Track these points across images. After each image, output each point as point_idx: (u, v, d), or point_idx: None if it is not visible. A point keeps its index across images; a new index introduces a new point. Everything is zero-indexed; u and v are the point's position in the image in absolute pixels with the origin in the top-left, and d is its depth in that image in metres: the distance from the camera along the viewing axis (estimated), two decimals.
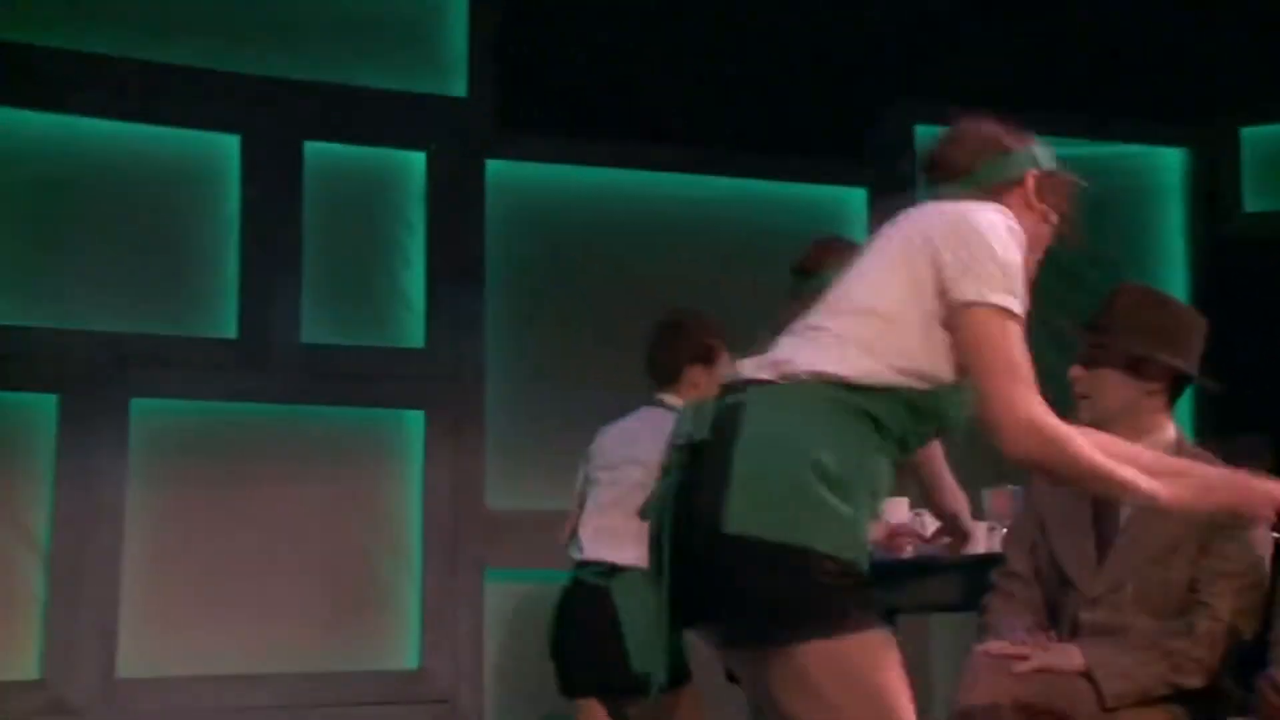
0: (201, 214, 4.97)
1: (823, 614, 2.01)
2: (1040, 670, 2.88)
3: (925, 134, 5.12)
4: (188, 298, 4.92)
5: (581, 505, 4.01)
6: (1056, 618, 3.06)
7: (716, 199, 5.48)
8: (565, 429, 5.00)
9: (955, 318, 2.11)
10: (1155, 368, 3.01)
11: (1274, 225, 5.68)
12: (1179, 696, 2.91)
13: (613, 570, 3.82)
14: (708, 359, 3.91)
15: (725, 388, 2.19)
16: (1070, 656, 2.90)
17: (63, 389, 4.69)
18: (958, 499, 3.62)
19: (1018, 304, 2.12)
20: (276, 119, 5.01)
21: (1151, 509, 2.32)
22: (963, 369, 2.12)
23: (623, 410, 4.05)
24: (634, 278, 5.28)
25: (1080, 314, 3.20)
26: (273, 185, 5.00)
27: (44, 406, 4.68)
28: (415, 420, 5.10)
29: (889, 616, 3.63)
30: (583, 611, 3.87)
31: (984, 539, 3.74)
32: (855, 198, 5.43)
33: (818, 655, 2.01)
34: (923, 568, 3.79)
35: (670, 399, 3.89)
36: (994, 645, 2.97)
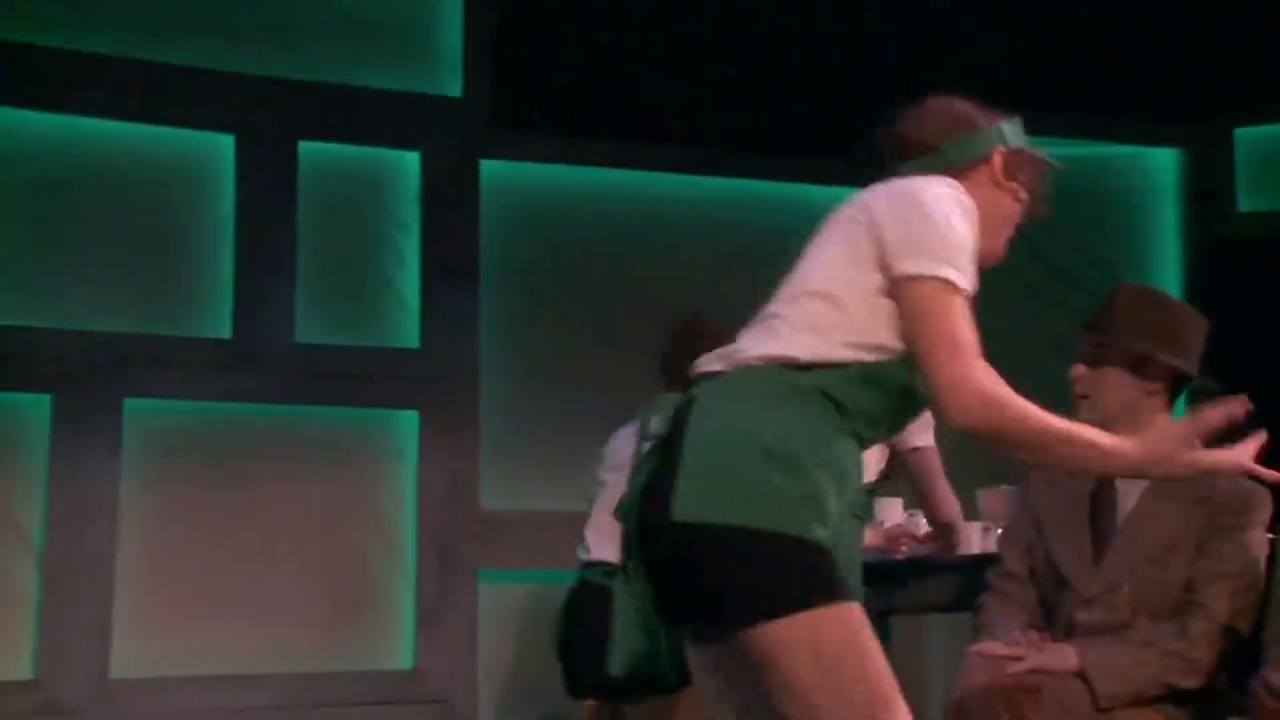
0: (196, 214, 4.96)
1: (776, 593, 1.96)
2: (1034, 671, 2.88)
3: None
4: (182, 297, 4.91)
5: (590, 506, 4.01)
6: (1052, 618, 3.06)
7: (715, 199, 5.48)
8: (560, 429, 5.01)
9: (897, 291, 2.09)
10: (1156, 368, 3.01)
11: (1268, 225, 5.69)
12: (1174, 697, 2.91)
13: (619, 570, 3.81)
14: None
15: (686, 384, 2.19)
16: (1064, 657, 2.90)
17: (56, 388, 4.68)
18: (951, 508, 3.62)
19: (961, 277, 2.08)
20: (271, 119, 5.01)
21: (1131, 475, 2.24)
22: (908, 343, 2.09)
23: (621, 410, 4.04)
24: (631, 278, 5.28)
25: (1077, 314, 3.20)
26: (267, 185, 4.99)
27: (38, 406, 4.67)
28: (410, 420, 5.09)
29: (883, 615, 3.66)
30: (589, 612, 3.86)
31: (979, 539, 3.74)
32: None
33: (779, 637, 1.96)
34: (918, 568, 3.80)
35: None
36: (988, 645, 2.97)
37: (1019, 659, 2.90)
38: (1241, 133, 5.82)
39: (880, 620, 3.59)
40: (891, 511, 4.06)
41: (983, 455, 2.39)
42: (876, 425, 2.16)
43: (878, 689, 1.99)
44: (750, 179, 5.46)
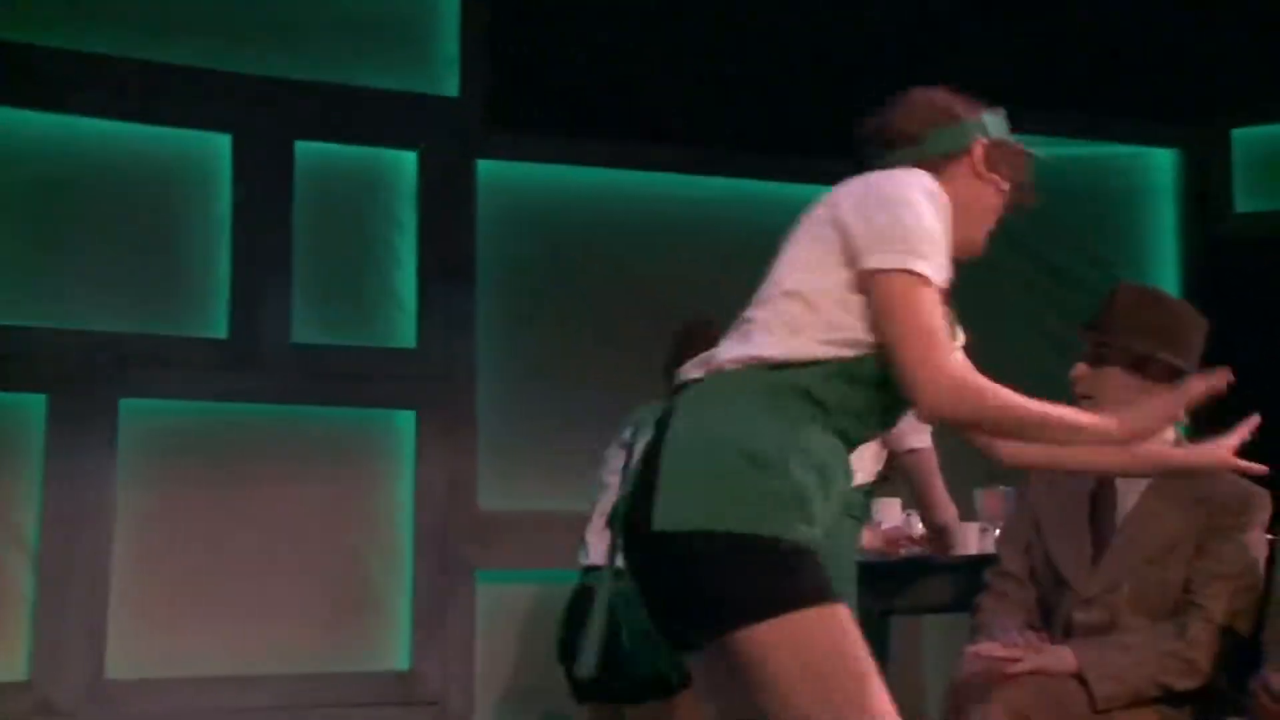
0: (192, 214, 4.95)
1: (758, 596, 1.95)
2: (1032, 672, 2.87)
3: None
4: (178, 297, 4.90)
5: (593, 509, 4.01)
6: (1050, 618, 3.06)
7: (715, 199, 5.47)
8: (558, 429, 5.00)
9: (866, 285, 2.08)
10: (1157, 367, 3.01)
11: (1265, 225, 5.71)
12: (1172, 698, 2.90)
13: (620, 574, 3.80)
14: None
15: (671, 393, 2.19)
16: (1062, 658, 2.89)
17: (52, 388, 4.67)
18: (947, 511, 3.61)
19: (930, 268, 2.07)
20: (268, 118, 5.00)
21: (1109, 440, 2.22)
22: (879, 336, 2.08)
23: (620, 411, 4.03)
24: (629, 278, 5.27)
25: (1077, 314, 3.19)
26: (264, 185, 4.98)
27: (33, 406, 4.66)
28: (407, 420, 5.08)
29: (882, 616, 3.65)
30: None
31: (976, 540, 3.74)
32: None
33: (761, 640, 1.95)
34: (916, 569, 3.79)
35: None
36: (986, 646, 2.96)
37: (1016, 660, 2.89)
38: (1239, 133, 5.83)
39: (879, 621, 3.58)
40: (889, 512, 4.06)
41: (981, 456, 2.39)
42: (864, 421, 2.15)
43: (861, 691, 1.97)
44: (750, 179, 5.45)
